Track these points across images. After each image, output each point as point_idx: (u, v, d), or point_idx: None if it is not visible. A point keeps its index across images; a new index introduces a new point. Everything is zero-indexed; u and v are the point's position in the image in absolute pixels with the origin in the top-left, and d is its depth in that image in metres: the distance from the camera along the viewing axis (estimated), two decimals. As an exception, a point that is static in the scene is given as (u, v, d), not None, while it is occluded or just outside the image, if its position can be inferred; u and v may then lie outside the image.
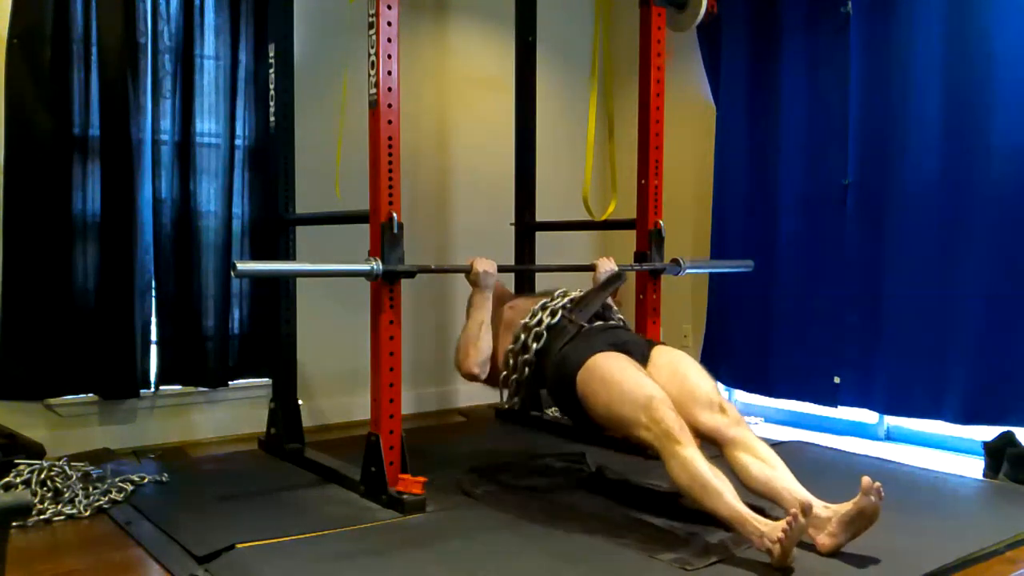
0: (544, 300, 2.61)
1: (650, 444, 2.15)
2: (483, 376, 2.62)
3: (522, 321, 2.56)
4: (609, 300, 2.72)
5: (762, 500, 2.14)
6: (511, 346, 2.55)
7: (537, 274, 3.73)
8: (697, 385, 2.33)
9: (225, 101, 3.34)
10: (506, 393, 2.58)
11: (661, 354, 2.47)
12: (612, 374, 2.30)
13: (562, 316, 2.53)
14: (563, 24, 4.33)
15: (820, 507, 2.03)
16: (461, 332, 2.66)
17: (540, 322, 2.53)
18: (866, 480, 1.92)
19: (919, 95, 3.17)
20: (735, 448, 2.22)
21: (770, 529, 1.91)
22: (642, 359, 2.42)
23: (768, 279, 3.64)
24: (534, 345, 2.50)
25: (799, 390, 3.59)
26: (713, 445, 2.24)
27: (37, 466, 2.52)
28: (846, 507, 1.98)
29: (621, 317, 2.70)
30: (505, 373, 2.56)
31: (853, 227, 3.39)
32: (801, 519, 1.86)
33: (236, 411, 3.44)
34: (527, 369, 2.51)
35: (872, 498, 1.91)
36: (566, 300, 2.60)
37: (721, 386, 4.00)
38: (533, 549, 2.09)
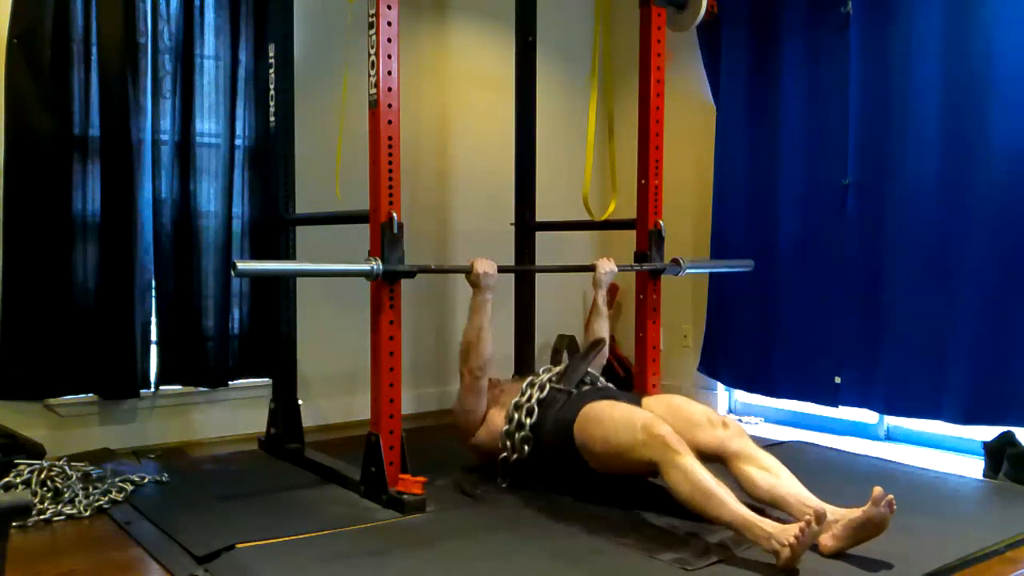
0: (531, 378, 2.67)
1: (651, 460, 2.16)
2: (483, 380, 2.63)
3: (513, 400, 2.60)
4: (596, 372, 2.78)
5: (764, 505, 2.15)
6: (506, 427, 2.58)
7: (537, 275, 3.73)
8: (692, 412, 2.40)
9: (225, 101, 3.34)
10: (506, 476, 2.59)
11: (653, 398, 2.57)
12: (605, 412, 2.37)
13: (551, 388, 2.59)
14: (563, 24, 4.33)
15: (829, 510, 2.03)
16: (462, 337, 2.67)
17: (530, 398, 2.58)
18: (878, 490, 1.92)
19: (919, 95, 3.17)
20: (739, 461, 2.24)
21: (779, 531, 1.91)
22: (634, 405, 2.45)
23: (768, 279, 3.64)
24: (528, 421, 2.54)
25: (799, 390, 3.59)
26: (717, 462, 2.26)
27: (37, 466, 2.52)
28: (855, 513, 1.98)
29: (609, 385, 2.74)
30: (504, 455, 2.58)
31: (853, 227, 3.39)
32: (815, 526, 1.86)
33: (236, 411, 3.44)
34: (526, 447, 2.54)
35: (882, 509, 1.91)
36: (552, 374, 2.67)
37: (721, 386, 4.01)
38: (533, 549, 2.09)
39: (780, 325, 3.64)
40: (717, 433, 2.29)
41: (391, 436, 2.45)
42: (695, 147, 4.07)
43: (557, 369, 2.71)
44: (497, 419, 2.64)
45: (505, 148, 3.80)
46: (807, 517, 1.87)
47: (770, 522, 1.96)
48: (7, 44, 2.91)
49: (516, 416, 2.57)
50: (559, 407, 2.51)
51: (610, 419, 2.32)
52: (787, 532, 1.89)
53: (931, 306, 3.13)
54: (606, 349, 2.91)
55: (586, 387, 2.63)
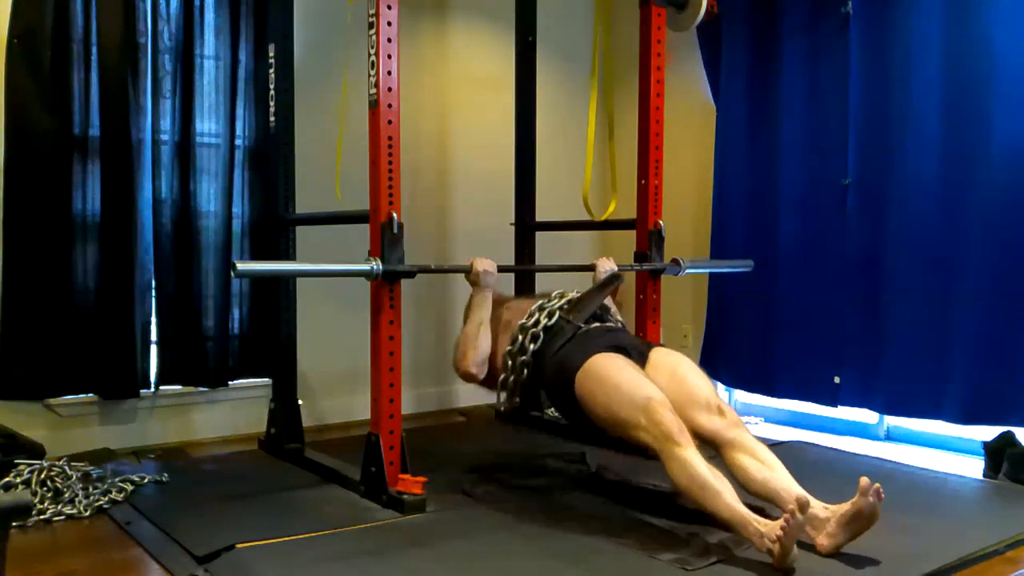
0: (541, 301, 2.61)
1: (649, 445, 2.15)
2: (481, 376, 2.62)
3: (519, 322, 2.55)
4: (607, 302, 2.72)
5: (761, 501, 2.14)
6: (509, 347, 2.54)
7: (537, 275, 3.73)
8: (696, 387, 2.34)
9: (225, 101, 3.34)
10: (503, 395, 2.56)
11: (660, 356, 2.47)
12: (610, 375, 2.29)
13: (560, 317, 2.53)
14: (563, 24, 4.33)
15: (820, 507, 2.03)
16: (460, 332, 2.66)
17: (537, 323, 2.53)
18: (864, 480, 1.91)
19: (919, 95, 3.17)
20: (734, 450, 2.22)
21: (769, 529, 1.91)
22: (640, 360, 2.41)
23: (768, 279, 3.64)
24: (531, 346, 2.50)
25: (799, 390, 3.59)
26: (711, 447, 2.24)
27: (37, 466, 2.52)
28: (844, 507, 1.98)
29: (620, 320, 2.70)
30: (503, 375, 2.55)
31: (853, 227, 3.39)
32: (798, 515, 1.85)
33: (236, 411, 3.44)
34: (525, 370, 2.50)
35: (870, 499, 1.90)
36: (563, 301, 2.60)
37: (721, 386, 4.01)
38: (533, 549, 2.09)
39: (780, 325, 3.63)
40: (714, 420, 2.26)
41: (391, 436, 2.45)
42: (695, 147, 4.07)
43: (569, 296, 2.64)
44: (504, 343, 2.58)
45: (505, 148, 3.80)
46: (790, 507, 1.86)
47: (764, 520, 1.96)
48: (7, 44, 2.91)
49: (521, 339, 2.52)
50: (564, 342, 2.45)
51: (615, 386, 2.26)
52: (774, 528, 1.89)
53: (931, 306, 3.13)
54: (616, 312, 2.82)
55: (595, 325, 2.56)
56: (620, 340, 2.50)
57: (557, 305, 2.58)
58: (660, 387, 2.24)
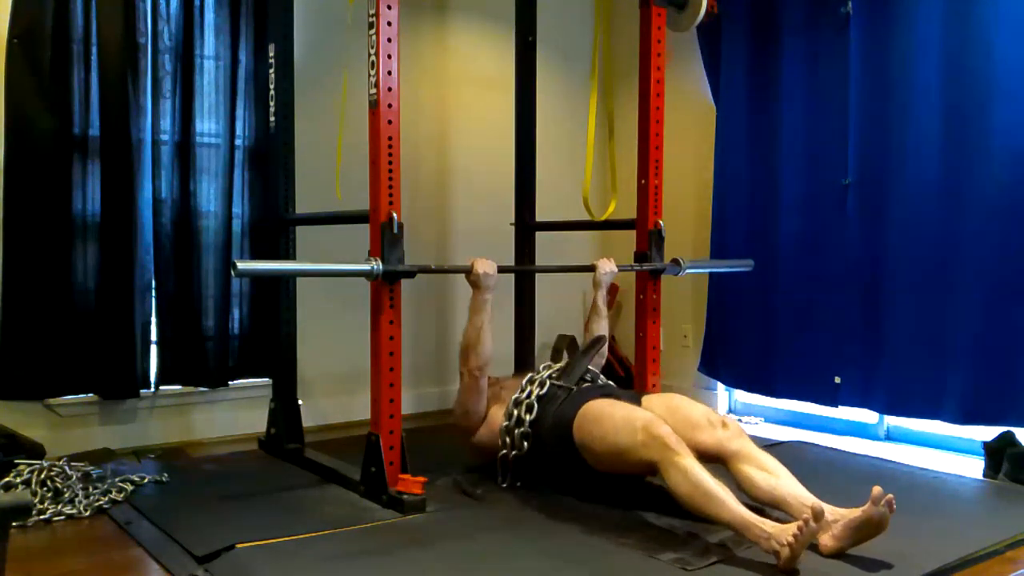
0: (531, 375, 2.67)
1: (651, 460, 2.16)
2: (483, 380, 2.63)
3: (513, 397, 2.60)
4: (596, 370, 2.78)
5: (763, 505, 2.15)
6: (505, 423, 2.58)
7: (537, 275, 3.73)
8: (691, 411, 2.40)
9: (225, 101, 3.34)
10: (503, 472, 2.58)
11: (652, 397, 2.56)
12: (605, 411, 2.37)
13: (551, 385, 2.59)
14: (563, 24, 4.33)
15: (829, 510, 2.03)
16: (462, 336, 2.67)
17: (530, 394, 2.58)
18: (877, 490, 1.91)
19: (919, 95, 3.17)
20: (739, 461, 2.24)
21: (778, 531, 1.91)
22: (634, 404, 2.45)
23: (768, 279, 3.64)
24: (528, 417, 2.54)
25: (799, 390, 3.59)
26: (717, 462, 2.26)
27: (37, 466, 2.51)
28: (855, 513, 1.98)
29: (610, 382, 2.74)
30: (504, 452, 2.58)
31: (853, 227, 3.39)
32: (813, 524, 1.86)
33: (236, 411, 3.44)
34: (526, 443, 2.54)
35: (882, 508, 1.91)
36: (552, 371, 2.67)
37: (721, 386, 4.01)
38: (533, 549, 2.09)
39: (780, 325, 3.63)
40: (716, 433, 2.30)
41: (391, 436, 2.45)
42: (695, 147, 4.07)
43: (557, 366, 2.71)
44: (498, 416, 2.64)
45: (505, 148, 3.80)
46: (805, 515, 1.87)
47: (769, 522, 1.96)
48: (7, 44, 2.91)
49: (516, 412, 2.57)
50: (559, 404, 2.51)
51: (610, 419, 2.32)
52: (786, 531, 1.90)
53: (931, 306, 3.13)
54: (605, 348, 2.92)
55: (586, 384, 2.63)
56: (612, 392, 2.58)
57: (547, 375, 2.64)
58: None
